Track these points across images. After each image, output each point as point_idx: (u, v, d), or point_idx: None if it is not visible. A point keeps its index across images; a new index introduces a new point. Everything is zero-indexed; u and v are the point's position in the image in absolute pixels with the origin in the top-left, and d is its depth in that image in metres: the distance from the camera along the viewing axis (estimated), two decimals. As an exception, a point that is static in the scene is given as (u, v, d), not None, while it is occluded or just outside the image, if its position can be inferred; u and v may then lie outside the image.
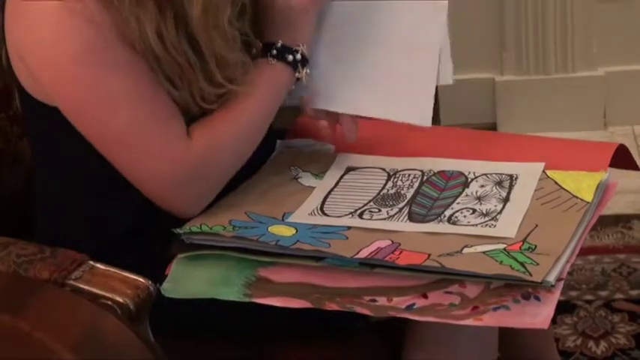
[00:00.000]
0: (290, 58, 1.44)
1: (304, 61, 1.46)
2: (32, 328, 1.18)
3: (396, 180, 1.46)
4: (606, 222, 2.37)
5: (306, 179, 1.49)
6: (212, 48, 1.36)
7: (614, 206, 2.37)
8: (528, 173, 1.43)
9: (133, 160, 1.35)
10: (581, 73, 2.75)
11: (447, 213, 1.39)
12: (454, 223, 1.37)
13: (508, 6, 2.70)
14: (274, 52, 1.44)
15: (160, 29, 1.32)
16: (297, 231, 1.36)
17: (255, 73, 1.43)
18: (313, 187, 1.47)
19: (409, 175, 1.47)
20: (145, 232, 1.41)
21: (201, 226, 1.36)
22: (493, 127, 2.73)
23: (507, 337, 1.48)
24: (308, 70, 1.46)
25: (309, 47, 1.47)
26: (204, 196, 1.39)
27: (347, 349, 1.42)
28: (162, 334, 1.33)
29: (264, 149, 1.54)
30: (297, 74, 1.45)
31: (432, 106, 1.47)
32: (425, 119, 1.46)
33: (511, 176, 1.44)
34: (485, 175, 1.45)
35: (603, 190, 1.40)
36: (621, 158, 1.48)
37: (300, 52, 1.45)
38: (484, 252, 1.29)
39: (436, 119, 1.59)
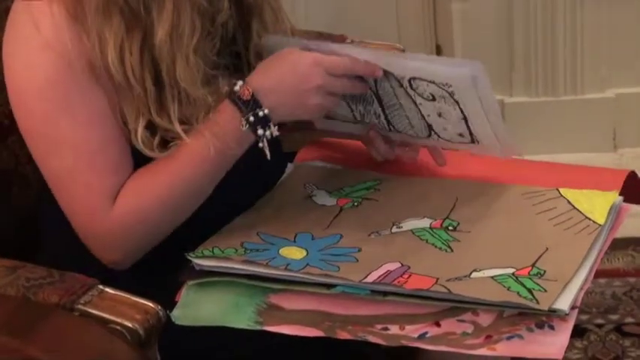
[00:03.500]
0: (251, 116, 1.33)
1: (265, 121, 1.33)
2: (42, 353, 1.18)
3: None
4: (617, 245, 2.36)
5: (321, 197, 1.48)
6: (173, 74, 1.33)
7: (624, 229, 2.34)
8: (460, 84, 1.38)
9: (61, 201, 1.37)
10: (591, 95, 2.75)
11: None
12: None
13: (517, 27, 2.71)
14: (236, 88, 1.33)
15: (124, 50, 1.31)
16: (307, 253, 1.36)
17: (206, 119, 1.34)
18: (327, 206, 1.46)
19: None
20: (153, 257, 1.40)
21: (213, 249, 1.36)
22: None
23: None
24: (271, 132, 1.33)
25: (279, 117, 1.34)
26: (131, 253, 1.37)
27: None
28: (170, 359, 1.32)
29: (275, 172, 1.54)
30: (258, 131, 1.34)
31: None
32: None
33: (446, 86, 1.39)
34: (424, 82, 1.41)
35: (616, 213, 1.40)
36: (632, 188, 1.47)
37: (264, 112, 1.33)
38: (492, 277, 1.28)
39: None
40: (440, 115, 1.41)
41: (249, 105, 1.34)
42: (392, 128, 1.47)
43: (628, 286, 2.29)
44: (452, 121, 1.41)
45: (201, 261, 1.34)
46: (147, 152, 1.35)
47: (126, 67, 1.32)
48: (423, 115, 1.43)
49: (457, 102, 1.38)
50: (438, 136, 1.45)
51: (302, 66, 1.35)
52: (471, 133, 1.42)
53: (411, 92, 1.40)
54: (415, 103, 1.42)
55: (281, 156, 1.58)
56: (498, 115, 1.42)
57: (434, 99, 1.40)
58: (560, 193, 1.43)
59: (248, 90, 1.34)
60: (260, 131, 1.34)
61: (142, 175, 1.36)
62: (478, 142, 1.43)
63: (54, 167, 1.35)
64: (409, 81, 1.39)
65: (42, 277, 1.31)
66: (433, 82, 1.37)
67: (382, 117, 1.46)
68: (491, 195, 1.45)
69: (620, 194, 1.43)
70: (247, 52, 1.47)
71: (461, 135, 1.43)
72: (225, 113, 1.34)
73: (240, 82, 1.34)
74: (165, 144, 1.36)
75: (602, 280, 2.29)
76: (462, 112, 1.40)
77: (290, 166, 1.58)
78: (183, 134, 1.34)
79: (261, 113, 1.33)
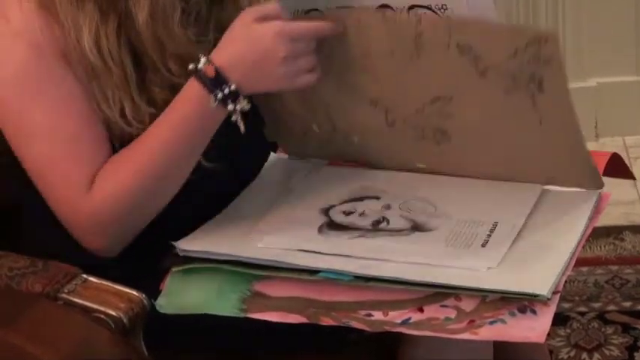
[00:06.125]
0: (219, 93, 1.30)
1: (234, 96, 1.31)
2: (25, 342, 1.18)
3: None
4: (598, 233, 2.37)
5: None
6: (161, 53, 1.34)
7: (606, 218, 2.37)
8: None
9: (43, 190, 1.36)
10: (573, 84, 2.74)
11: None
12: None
13: (500, 16, 2.71)
14: (200, 66, 1.30)
15: (99, 35, 1.31)
16: None
17: (176, 99, 1.33)
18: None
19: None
20: (135, 244, 1.39)
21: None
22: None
23: (501, 348, 1.48)
24: (242, 106, 1.31)
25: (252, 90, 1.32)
26: (117, 238, 1.35)
27: (341, 361, 1.42)
28: (156, 348, 1.32)
29: (258, 163, 1.54)
30: (228, 107, 1.31)
31: None
32: None
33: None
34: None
35: (597, 202, 1.40)
36: (615, 167, 1.48)
37: (230, 89, 1.30)
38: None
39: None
40: None
41: (215, 82, 1.31)
42: None
43: (610, 274, 2.30)
44: None
45: (184, 245, 1.35)
46: (137, 127, 1.34)
47: (103, 52, 1.31)
48: None
49: None
50: None
51: (263, 42, 1.31)
52: None
53: None
54: None
55: (265, 145, 1.58)
56: None
57: None
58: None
59: (212, 67, 1.31)
60: (230, 106, 1.31)
61: (117, 158, 1.35)
62: None
63: (31, 157, 1.35)
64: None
65: (25, 266, 1.31)
66: None
67: None
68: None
69: (603, 174, 1.44)
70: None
71: None
72: (193, 91, 1.32)
73: (203, 59, 1.32)
74: None
75: (584, 269, 2.30)
76: None
77: (273, 156, 1.58)
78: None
79: (227, 90, 1.31)
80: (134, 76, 1.34)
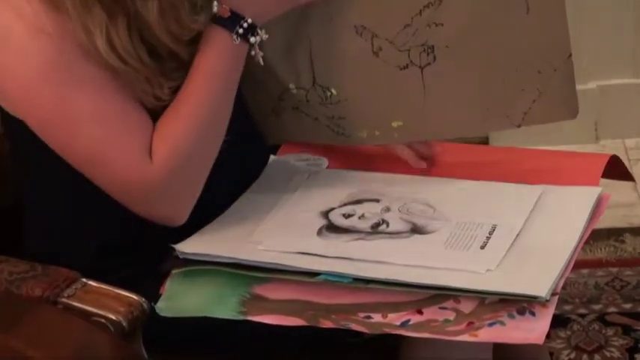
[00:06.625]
0: (239, 29, 1.38)
1: (252, 29, 1.38)
2: (25, 346, 1.18)
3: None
4: (599, 236, 2.37)
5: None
6: (177, 43, 1.36)
7: (607, 220, 2.37)
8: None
9: (102, 176, 1.35)
10: (573, 87, 2.76)
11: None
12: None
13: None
14: (215, 10, 1.37)
15: (111, 37, 1.31)
16: None
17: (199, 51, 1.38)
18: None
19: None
20: (135, 247, 1.40)
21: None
22: (485, 140, 2.73)
23: (501, 351, 1.48)
24: (261, 37, 1.39)
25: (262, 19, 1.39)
26: (184, 201, 1.37)
27: (341, 365, 1.43)
28: (156, 351, 1.32)
29: (257, 165, 1.55)
30: (250, 40, 1.39)
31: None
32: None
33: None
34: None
35: (596, 203, 1.41)
36: (614, 169, 1.48)
37: (248, 23, 1.38)
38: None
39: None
40: None
41: (232, 21, 1.38)
42: None
43: (610, 276, 2.30)
44: None
45: (184, 248, 1.35)
46: (164, 100, 1.37)
47: (119, 53, 1.32)
48: None
49: None
50: None
51: None
52: None
53: None
54: None
55: (264, 148, 1.59)
56: None
57: None
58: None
59: (225, 9, 1.38)
60: (252, 39, 1.39)
61: (163, 122, 1.37)
62: None
63: (83, 146, 1.34)
64: None
65: (25, 270, 1.31)
66: None
67: None
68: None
69: (603, 176, 1.44)
70: None
71: None
72: (215, 36, 1.38)
73: (215, 3, 1.38)
74: None
75: (584, 271, 2.31)
76: None
77: (272, 158, 1.58)
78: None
79: (245, 24, 1.38)
80: (153, 66, 1.35)
